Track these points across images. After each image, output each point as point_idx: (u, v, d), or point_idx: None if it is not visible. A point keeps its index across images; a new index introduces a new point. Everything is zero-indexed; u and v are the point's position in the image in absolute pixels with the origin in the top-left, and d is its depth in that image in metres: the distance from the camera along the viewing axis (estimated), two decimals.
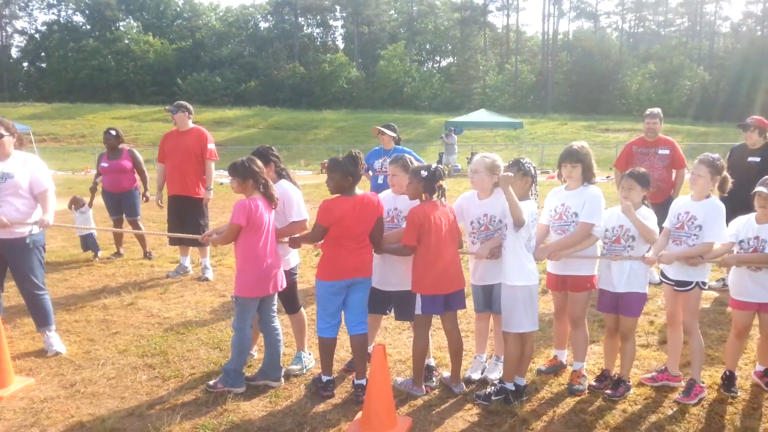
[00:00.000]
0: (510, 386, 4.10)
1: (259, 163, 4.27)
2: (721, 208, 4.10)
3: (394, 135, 7.26)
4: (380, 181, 7.61)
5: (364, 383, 4.03)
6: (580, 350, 4.40)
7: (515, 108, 56.69)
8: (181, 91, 57.95)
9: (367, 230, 4.11)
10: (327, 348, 4.26)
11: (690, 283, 4.11)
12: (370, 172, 7.81)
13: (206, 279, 7.48)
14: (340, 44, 75.76)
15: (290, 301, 4.78)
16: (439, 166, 4.27)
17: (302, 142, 41.00)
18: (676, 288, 4.19)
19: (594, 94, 56.56)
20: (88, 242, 8.87)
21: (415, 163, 4.40)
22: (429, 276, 4.08)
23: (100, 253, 8.93)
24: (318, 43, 75.27)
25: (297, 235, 4.47)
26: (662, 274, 4.35)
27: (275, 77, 62.12)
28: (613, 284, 4.18)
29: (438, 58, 77.79)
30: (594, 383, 4.33)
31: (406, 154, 4.63)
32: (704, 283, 4.18)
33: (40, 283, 5.00)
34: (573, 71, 60.45)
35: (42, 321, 5.08)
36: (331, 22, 76.84)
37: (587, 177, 4.29)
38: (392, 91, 60.95)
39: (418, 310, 4.18)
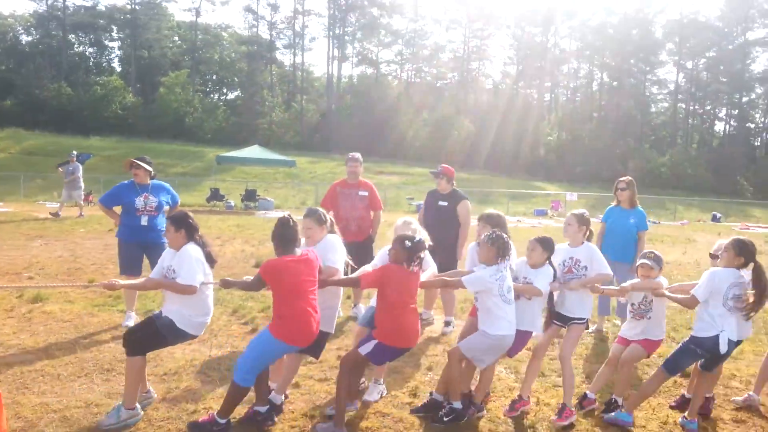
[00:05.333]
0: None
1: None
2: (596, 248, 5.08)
3: (150, 169, 6.86)
4: (144, 222, 6.85)
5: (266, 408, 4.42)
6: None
7: (301, 146, 57.62)
8: None
9: (315, 288, 4.37)
10: (243, 395, 4.31)
11: (583, 319, 4.91)
12: (117, 209, 6.99)
13: None
14: (117, 67, 70.93)
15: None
16: (421, 238, 4.49)
17: None
18: (573, 323, 4.89)
19: (374, 137, 59.54)
20: None
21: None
22: (395, 329, 4.39)
23: None
24: (91, 63, 69.70)
25: (233, 280, 4.65)
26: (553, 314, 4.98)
27: (37, 97, 55.87)
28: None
29: (225, 90, 76.42)
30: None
31: (318, 208, 5.02)
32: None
33: None
34: (355, 114, 63.17)
35: None
36: (106, 42, 71.66)
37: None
38: (173, 120, 58.20)
39: (363, 351, 4.38)
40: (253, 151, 30.37)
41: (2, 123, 49.46)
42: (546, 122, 66.22)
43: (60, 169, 19.64)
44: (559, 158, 59.15)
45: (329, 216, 4.97)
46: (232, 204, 27.11)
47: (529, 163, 58.46)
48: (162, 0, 69.71)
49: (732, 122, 72.89)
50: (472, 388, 4.88)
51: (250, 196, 27.82)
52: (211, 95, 73.36)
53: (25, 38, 66.21)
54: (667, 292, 4.80)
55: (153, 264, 6.91)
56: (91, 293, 8.21)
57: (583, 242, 5.01)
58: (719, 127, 75.73)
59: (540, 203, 37.10)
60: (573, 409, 4.72)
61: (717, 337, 4.51)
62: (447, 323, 7.25)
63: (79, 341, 6.14)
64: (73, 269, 10.09)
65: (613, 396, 4.94)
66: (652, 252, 4.94)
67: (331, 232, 4.95)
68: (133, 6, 67.14)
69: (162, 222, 7.01)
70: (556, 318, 4.97)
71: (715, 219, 34.46)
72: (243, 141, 53.17)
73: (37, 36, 65.68)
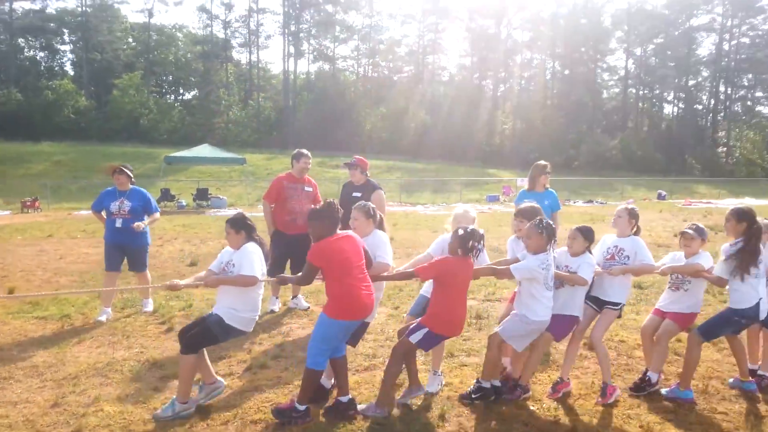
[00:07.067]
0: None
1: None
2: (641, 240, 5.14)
3: (131, 175, 7.51)
4: (118, 224, 7.43)
5: (348, 398, 4.59)
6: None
7: (259, 143, 57.46)
8: None
9: (362, 263, 4.54)
10: (317, 379, 4.57)
11: (618, 304, 5.03)
12: (103, 213, 7.61)
13: None
14: (70, 71, 69.50)
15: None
16: (474, 228, 4.66)
17: (10, 177, 36.30)
18: (606, 307, 5.03)
19: (333, 132, 59.62)
20: None
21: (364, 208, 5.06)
22: (447, 319, 4.57)
23: None
24: (42, 67, 68.11)
25: (288, 276, 5.06)
26: (588, 297, 5.09)
27: None
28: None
29: (181, 91, 75.51)
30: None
31: (368, 203, 5.20)
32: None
33: None
34: (313, 110, 63.12)
35: None
36: (57, 45, 70.19)
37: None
38: (127, 122, 57.43)
39: (414, 339, 4.54)
40: (203, 150, 30.30)
41: None
42: (501, 111, 67.10)
43: None
44: (513, 146, 60.14)
45: (378, 212, 5.15)
46: (184, 203, 27.09)
47: (484, 151, 59.32)
48: (114, 2, 68.78)
49: (680, 105, 75.20)
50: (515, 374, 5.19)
51: (201, 195, 27.82)
52: (167, 96, 72.47)
53: None
54: (703, 273, 4.95)
55: (131, 264, 7.71)
56: (8, 302, 8.22)
57: (630, 234, 5.15)
58: (668, 109, 78.36)
59: (493, 189, 37.80)
60: (614, 384, 4.96)
61: (758, 305, 4.79)
62: None
63: None
64: None
65: (648, 373, 5.13)
66: (695, 223, 5.14)
67: (380, 228, 5.12)
68: (83, 8, 65.96)
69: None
70: (591, 301, 5.10)
71: (660, 197, 35.62)
72: (199, 141, 52.42)
73: None
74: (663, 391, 5.03)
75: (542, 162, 7.83)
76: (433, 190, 37.06)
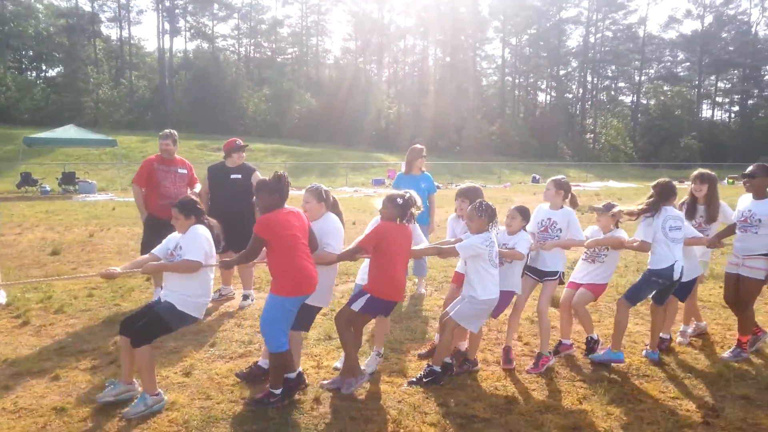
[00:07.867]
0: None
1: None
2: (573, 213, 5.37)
3: None
4: None
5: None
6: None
7: (133, 124, 54.41)
8: None
9: (306, 242, 4.40)
10: (286, 360, 4.35)
11: (557, 272, 5.26)
12: None
13: None
14: None
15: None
16: (411, 195, 4.68)
17: None
18: (546, 279, 5.28)
19: (214, 113, 57.60)
20: None
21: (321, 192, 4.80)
22: (387, 283, 4.59)
23: None
24: None
25: (230, 259, 4.63)
26: (528, 268, 5.31)
27: None
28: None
29: (43, 67, 69.69)
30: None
31: (320, 185, 4.94)
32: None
33: None
34: (192, 90, 60.58)
35: None
36: None
37: None
38: None
39: (356, 307, 4.55)
40: (68, 131, 28.02)
41: None
42: (386, 96, 67.78)
43: None
44: (398, 130, 60.96)
45: (332, 194, 4.94)
46: (48, 189, 25.05)
47: (370, 135, 59.69)
48: None
49: (552, 93, 79.71)
50: (462, 348, 5.36)
51: (68, 179, 25.85)
52: (28, 72, 66.63)
53: None
54: (626, 243, 5.32)
55: None
56: None
57: (562, 206, 5.36)
58: (541, 97, 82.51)
59: (378, 173, 38.19)
60: (549, 355, 5.18)
61: (672, 266, 5.08)
62: (245, 297, 7.27)
63: None
64: None
65: (588, 336, 5.53)
66: (610, 203, 5.49)
67: (335, 212, 4.88)
68: None
69: None
70: (531, 272, 5.33)
71: (534, 180, 37.51)
72: (67, 121, 48.62)
73: None
74: (592, 356, 5.35)
75: (418, 146, 7.99)
76: (319, 174, 36.81)
